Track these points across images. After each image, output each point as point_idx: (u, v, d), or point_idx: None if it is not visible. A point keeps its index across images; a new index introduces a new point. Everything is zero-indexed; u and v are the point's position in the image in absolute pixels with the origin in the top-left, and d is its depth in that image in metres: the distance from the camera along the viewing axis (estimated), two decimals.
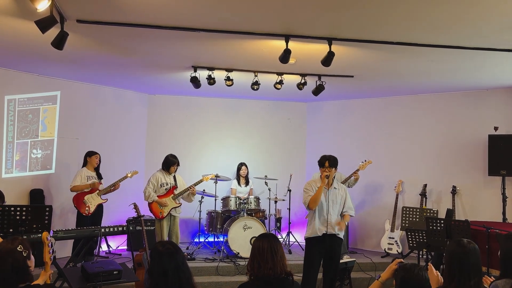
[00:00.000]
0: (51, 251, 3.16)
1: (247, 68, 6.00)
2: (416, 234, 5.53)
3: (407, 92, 7.58)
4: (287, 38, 4.47)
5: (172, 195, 6.37)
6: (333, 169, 4.88)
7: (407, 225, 6.74)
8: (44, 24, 3.71)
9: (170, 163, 6.43)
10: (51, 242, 3.21)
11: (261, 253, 2.81)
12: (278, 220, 7.79)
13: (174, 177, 6.53)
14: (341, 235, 4.93)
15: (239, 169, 7.87)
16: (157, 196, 6.29)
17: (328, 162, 4.84)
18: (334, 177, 4.99)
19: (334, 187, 4.93)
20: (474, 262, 2.65)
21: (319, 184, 4.85)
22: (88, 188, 6.31)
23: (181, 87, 7.33)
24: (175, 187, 6.44)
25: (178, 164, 6.52)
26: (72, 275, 3.99)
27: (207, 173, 6.98)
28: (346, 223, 5.00)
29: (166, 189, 6.39)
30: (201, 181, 6.65)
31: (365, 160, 7.12)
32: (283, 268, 2.83)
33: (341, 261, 5.33)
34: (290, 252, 7.12)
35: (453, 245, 2.74)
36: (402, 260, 2.79)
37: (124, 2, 3.72)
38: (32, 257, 2.67)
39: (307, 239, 4.93)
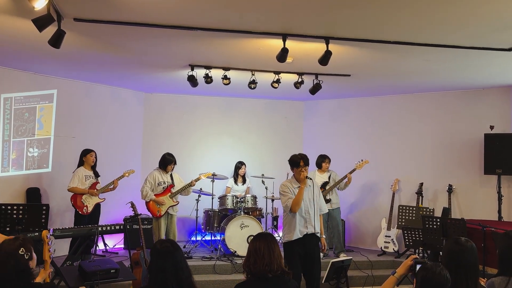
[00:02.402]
0: (50, 250, 3.16)
1: (244, 67, 6.00)
2: (413, 232, 5.56)
3: (403, 91, 7.61)
4: (284, 37, 4.48)
5: (170, 193, 6.38)
6: (307, 167, 4.72)
7: (403, 223, 6.77)
8: (41, 22, 3.70)
9: (167, 162, 6.43)
10: (51, 241, 3.21)
11: (258, 251, 2.82)
12: (275, 218, 7.81)
13: (171, 175, 6.53)
14: (319, 233, 4.81)
15: (238, 168, 7.85)
16: (155, 195, 6.30)
17: (303, 161, 4.65)
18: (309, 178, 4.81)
19: (309, 185, 4.76)
20: (472, 260, 2.66)
21: (295, 185, 4.70)
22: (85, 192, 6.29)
23: (178, 86, 7.32)
24: (172, 185, 6.44)
25: (175, 163, 6.52)
26: (69, 274, 3.98)
27: (203, 171, 6.98)
28: (324, 237, 4.99)
29: (163, 187, 6.39)
30: (198, 179, 6.65)
31: (362, 160, 7.13)
32: (280, 265, 2.83)
33: (337, 259, 5.34)
34: None
35: (451, 243, 2.75)
36: (417, 256, 2.76)
37: (121, 0, 3.72)
38: (34, 256, 2.67)
39: (288, 243, 4.66)
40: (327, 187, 6.91)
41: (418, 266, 2.65)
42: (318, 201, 4.81)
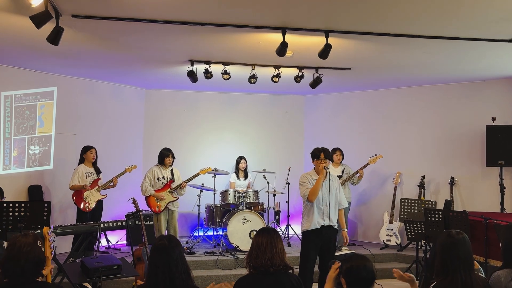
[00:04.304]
0: (52, 246, 3.17)
1: (244, 62, 5.98)
2: (415, 225, 5.55)
3: (405, 84, 7.57)
4: (283, 31, 4.46)
5: (169, 189, 6.38)
6: (327, 160, 4.87)
7: (405, 216, 6.76)
8: (39, 19, 3.69)
9: (163, 156, 6.46)
10: (52, 237, 3.22)
11: (260, 246, 2.83)
12: (277, 213, 7.82)
13: (172, 171, 6.53)
14: (336, 226, 4.94)
15: (238, 162, 7.87)
16: (154, 190, 6.30)
17: (323, 154, 4.84)
18: (328, 169, 4.96)
19: (329, 179, 4.91)
20: (464, 252, 2.65)
21: (314, 176, 4.85)
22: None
23: (178, 81, 7.31)
24: (172, 181, 6.45)
25: (173, 157, 6.53)
26: (72, 270, 4.00)
27: (204, 167, 6.97)
28: (346, 230, 5.11)
29: (163, 183, 6.40)
30: (197, 174, 6.66)
31: (376, 155, 7.12)
32: (282, 260, 2.83)
33: (340, 253, 5.35)
34: (289, 245, 7.14)
35: (443, 236, 2.75)
36: (338, 262, 2.82)
37: None
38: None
39: (305, 232, 4.90)
40: (340, 181, 6.91)
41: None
42: (337, 195, 4.96)
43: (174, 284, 2.53)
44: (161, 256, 2.57)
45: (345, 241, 5.01)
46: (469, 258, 2.67)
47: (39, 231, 4.77)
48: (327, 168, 4.83)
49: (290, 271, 2.89)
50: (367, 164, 7.06)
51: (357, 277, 2.54)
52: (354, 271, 2.53)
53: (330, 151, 7.03)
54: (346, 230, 5.08)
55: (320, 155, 4.84)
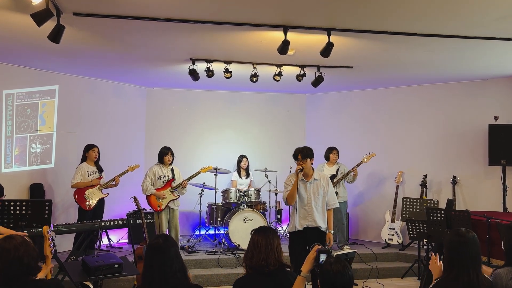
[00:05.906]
0: (51, 245, 3.17)
1: (245, 60, 5.97)
2: (417, 224, 5.54)
3: (407, 83, 7.55)
4: (285, 29, 4.45)
5: (170, 187, 6.38)
6: (308, 160, 4.69)
7: (407, 215, 6.75)
8: (40, 17, 3.69)
9: (162, 154, 6.46)
10: (52, 236, 3.22)
11: (255, 245, 2.83)
12: (279, 212, 7.81)
13: (172, 170, 6.53)
14: (324, 228, 4.79)
15: (239, 161, 7.85)
16: (155, 189, 6.30)
17: (300, 155, 4.68)
18: (313, 169, 4.83)
19: (315, 179, 4.78)
20: (473, 251, 2.64)
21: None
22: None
23: (180, 80, 7.30)
24: (172, 179, 6.44)
25: (173, 155, 6.52)
26: (73, 269, 4.00)
27: (204, 166, 6.95)
28: (332, 232, 4.90)
29: (163, 181, 6.40)
30: (198, 173, 6.64)
31: (369, 153, 7.12)
32: (278, 259, 2.82)
33: (341, 252, 5.33)
34: None
35: (452, 234, 2.73)
36: (320, 245, 2.81)
37: None
38: None
39: (289, 233, 4.83)
40: (334, 180, 6.90)
41: (322, 256, 2.71)
42: (325, 195, 4.81)
43: (168, 284, 2.52)
44: (156, 256, 2.56)
45: (328, 244, 4.84)
46: (478, 257, 2.66)
47: (40, 229, 4.80)
48: (301, 170, 4.67)
49: (288, 269, 2.88)
50: (360, 163, 7.04)
51: (331, 283, 2.47)
52: (330, 276, 2.47)
53: (326, 150, 7.08)
54: (332, 232, 4.89)
55: (298, 155, 4.70)
